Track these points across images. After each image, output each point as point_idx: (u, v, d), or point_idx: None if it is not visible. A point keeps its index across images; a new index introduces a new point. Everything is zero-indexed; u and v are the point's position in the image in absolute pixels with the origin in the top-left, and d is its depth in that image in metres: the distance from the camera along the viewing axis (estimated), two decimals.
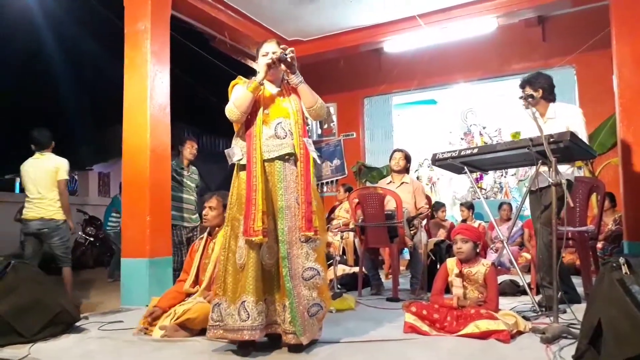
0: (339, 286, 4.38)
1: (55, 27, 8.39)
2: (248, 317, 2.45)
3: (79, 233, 8.73)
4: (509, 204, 6.48)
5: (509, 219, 6.25)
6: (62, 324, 3.10)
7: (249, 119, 2.67)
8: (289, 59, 2.63)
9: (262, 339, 2.60)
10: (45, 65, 9.01)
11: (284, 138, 2.64)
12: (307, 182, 2.62)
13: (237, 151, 2.67)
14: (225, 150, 2.73)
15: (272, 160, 2.62)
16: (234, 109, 2.62)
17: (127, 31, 4.71)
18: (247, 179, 2.57)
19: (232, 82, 2.76)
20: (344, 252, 6.13)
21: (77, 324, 3.24)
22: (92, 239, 8.74)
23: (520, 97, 3.51)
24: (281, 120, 2.66)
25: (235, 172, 2.71)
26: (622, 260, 1.80)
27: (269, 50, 2.69)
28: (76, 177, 12.19)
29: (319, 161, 2.76)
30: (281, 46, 2.69)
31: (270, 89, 2.75)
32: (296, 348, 2.51)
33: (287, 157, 2.63)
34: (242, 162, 2.64)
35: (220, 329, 2.52)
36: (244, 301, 2.47)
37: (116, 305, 4.39)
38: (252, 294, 2.48)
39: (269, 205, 2.58)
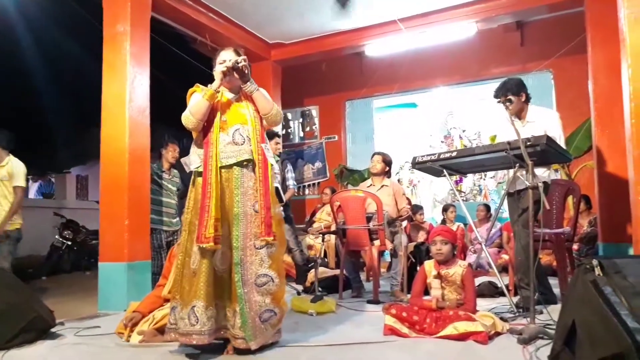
0: (319, 289, 4.38)
1: (32, 28, 8.24)
2: (197, 322, 2.47)
3: (56, 237, 8.56)
4: (484, 205, 6.56)
5: (484, 220, 6.32)
6: (36, 330, 3.01)
7: (207, 126, 2.68)
8: (240, 68, 2.64)
9: (214, 341, 2.59)
10: (22, 67, 8.85)
11: (242, 144, 2.65)
12: (265, 187, 2.64)
13: (194, 159, 2.70)
14: (182, 159, 2.74)
15: (229, 166, 2.63)
16: (190, 117, 2.63)
17: (105, 33, 4.65)
18: (203, 186, 2.59)
19: (190, 90, 2.77)
20: (325, 255, 6.14)
21: (53, 330, 3.16)
22: (69, 242, 8.57)
23: (499, 102, 3.57)
24: (239, 127, 2.68)
25: (193, 177, 2.73)
26: (595, 262, 1.83)
27: (226, 57, 2.71)
28: (53, 179, 11.98)
29: (276, 167, 2.79)
30: (238, 57, 2.70)
31: (228, 95, 2.77)
32: (243, 352, 2.53)
33: (245, 163, 2.65)
34: (200, 170, 2.66)
35: (176, 333, 2.54)
36: (194, 306, 2.49)
37: (93, 310, 4.32)
38: (203, 299, 2.49)
39: (224, 212, 2.58)
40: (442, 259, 3.08)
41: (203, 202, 2.55)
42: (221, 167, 2.61)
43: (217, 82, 2.66)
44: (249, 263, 2.56)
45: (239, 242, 2.56)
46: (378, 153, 4.94)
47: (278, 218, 2.70)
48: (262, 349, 2.57)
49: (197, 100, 2.65)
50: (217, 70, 2.68)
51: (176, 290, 2.61)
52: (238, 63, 2.63)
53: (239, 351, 2.54)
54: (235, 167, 2.63)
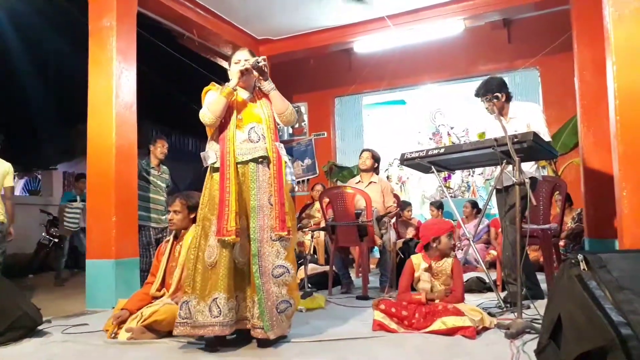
0: (309, 285, 4.39)
1: (17, 22, 8.13)
2: (220, 313, 2.54)
3: (43, 234, 8.46)
4: (470, 202, 6.59)
5: (470, 217, 6.35)
6: (23, 328, 2.99)
7: (223, 123, 2.76)
8: (262, 67, 2.74)
9: (231, 335, 2.66)
10: (7, 61, 8.73)
11: (257, 142, 2.75)
12: (280, 184, 2.74)
13: (211, 154, 2.76)
14: (201, 153, 2.83)
15: (245, 162, 2.72)
16: (208, 114, 2.71)
17: (91, 28, 4.60)
18: (221, 181, 2.66)
19: (205, 88, 2.86)
20: (314, 251, 6.14)
21: (40, 327, 3.14)
22: (56, 240, 8.47)
23: (482, 100, 3.59)
24: (254, 125, 2.77)
25: (208, 173, 2.80)
26: (580, 257, 1.85)
27: (242, 57, 2.81)
28: (39, 176, 11.81)
29: (290, 165, 2.86)
30: (257, 57, 2.80)
31: (242, 94, 2.84)
32: (264, 342, 2.60)
33: (260, 159, 2.73)
34: (215, 165, 2.72)
35: (188, 326, 2.58)
36: (216, 298, 2.56)
37: (81, 308, 4.28)
38: (224, 291, 2.56)
39: (241, 206, 2.67)
40: (448, 252, 3.11)
41: (222, 196, 2.63)
42: (237, 163, 2.69)
43: (235, 80, 2.74)
44: (266, 254, 2.65)
45: (256, 234, 2.65)
46: (367, 149, 4.97)
47: (292, 212, 2.79)
48: (257, 345, 2.61)
49: (214, 97, 2.73)
50: (234, 70, 2.76)
51: (188, 285, 2.66)
52: (258, 62, 2.72)
53: (259, 341, 2.61)
54: (250, 162, 2.72)
